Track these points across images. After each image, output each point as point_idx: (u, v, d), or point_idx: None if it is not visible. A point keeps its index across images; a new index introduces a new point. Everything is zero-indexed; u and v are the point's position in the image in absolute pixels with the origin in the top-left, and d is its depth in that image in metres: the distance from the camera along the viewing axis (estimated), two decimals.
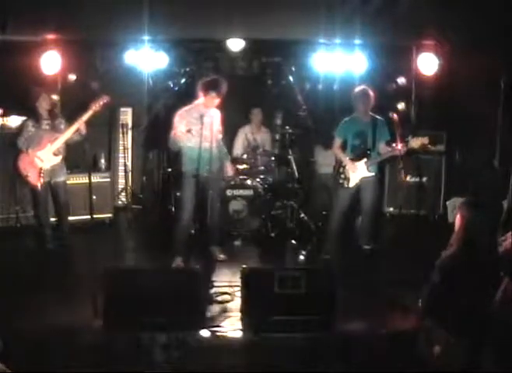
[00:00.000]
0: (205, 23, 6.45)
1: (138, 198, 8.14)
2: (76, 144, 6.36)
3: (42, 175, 6.13)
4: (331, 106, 7.77)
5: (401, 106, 7.76)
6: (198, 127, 5.77)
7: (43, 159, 6.16)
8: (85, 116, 6.13)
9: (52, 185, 6.37)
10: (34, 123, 6.23)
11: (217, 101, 5.87)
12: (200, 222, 6.06)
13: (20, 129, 6.36)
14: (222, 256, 6.21)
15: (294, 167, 7.32)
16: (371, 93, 6.04)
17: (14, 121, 6.81)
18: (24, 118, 6.48)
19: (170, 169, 7.48)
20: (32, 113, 6.27)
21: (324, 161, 7.77)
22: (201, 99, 5.87)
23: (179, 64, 7.64)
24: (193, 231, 6.32)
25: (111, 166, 7.91)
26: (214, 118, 5.90)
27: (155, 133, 8.12)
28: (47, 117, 6.27)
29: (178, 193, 6.56)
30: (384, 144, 6.09)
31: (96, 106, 6.15)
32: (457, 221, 3.60)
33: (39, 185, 6.14)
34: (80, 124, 6.13)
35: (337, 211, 6.30)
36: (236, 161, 7.36)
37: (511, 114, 7.18)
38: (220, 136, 6.12)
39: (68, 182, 6.66)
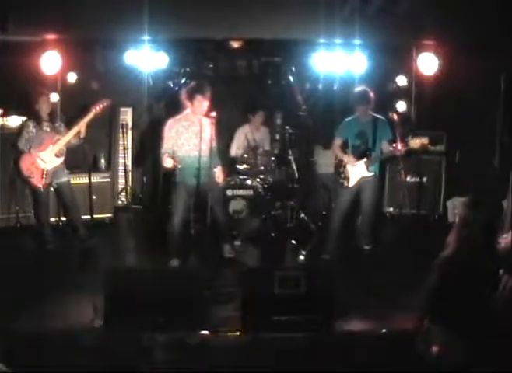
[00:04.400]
0: (205, 23, 6.43)
1: (138, 198, 8.14)
2: (75, 145, 6.37)
3: (45, 176, 6.14)
4: (331, 106, 7.78)
5: (401, 106, 7.75)
6: (188, 135, 5.77)
7: (45, 160, 6.17)
8: (86, 119, 6.14)
9: (55, 187, 6.38)
10: (35, 124, 6.24)
11: (205, 105, 5.73)
12: (202, 223, 6.04)
13: (20, 130, 6.36)
14: (231, 254, 6.25)
15: (294, 167, 7.33)
16: (371, 94, 6.04)
17: (14, 121, 6.82)
18: (24, 118, 6.49)
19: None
20: (32, 114, 6.28)
21: (324, 161, 7.77)
22: (188, 108, 5.81)
23: (179, 64, 7.63)
24: (192, 232, 6.31)
25: (111, 166, 7.92)
26: (204, 126, 5.75)
27: (154, 134, 8.16)
28: (47, 119, 6.27)
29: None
30: (386, 144, 6.09)
31: (96, 109, 6.17)
32: (457, 220, 3.60)
33: (41, 186, 6.15)
34: (81, 127, 6.13)
35: (337, 211, 6.31)
36: (236, 161, 7.37)
37: (511, 114, 7.18)
38: (214, 144, 5.99)
39: None
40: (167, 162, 5.73)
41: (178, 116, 5.89)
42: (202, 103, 5.74)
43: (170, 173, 6.07)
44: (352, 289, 5.30)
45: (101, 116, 7.01)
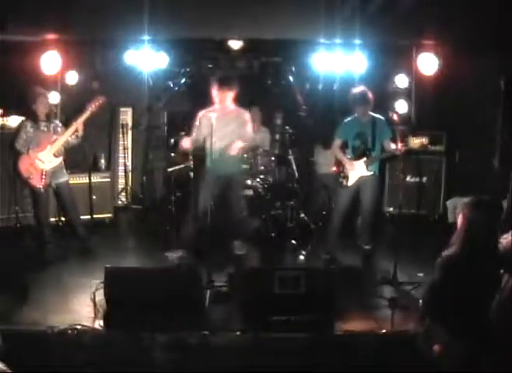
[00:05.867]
0: (205, 23, 6.44)
1: (138, 198, 8.14)
2: (74, 145, 6.36)
3: (44, 177, 6.13)
4: (331, 106, 7.77)
5: (401, 106, 7.75)
6: (216, 127, 5.84)
7: (44, 161, 6.15)
8: (82, 118, 6.13)
9: (54, 187, 6.36)
10: (32, 124, 6.22)
11: (222, 97, 5.91)
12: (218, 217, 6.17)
13: (17, 130, 6.34)
14: (241, 252, 6.28)
15: (294, 167, 7.32)
16: (369, 94, 6.02)
17: (14, 121, 6.81)
18: (23, 118, 6.48)
19: (170, 169, 7.52)
20: (30, 114, 6.27)
21: (324, 161, 7.76)
22: (216, 97, 5.98)
23: (179, 64, 7.64)
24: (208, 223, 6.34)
25: (111, 166, 7.91)
26: (230, 118, 5.93)
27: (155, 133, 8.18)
28: (45, 119, 6.26)
29: (192, 187, 6.71)
30: (386, 143, 6.08)
31: (92, 107, 6.15)
32: (459, 220, 3.60)
33: (41, 187, 6.14)
34: (78, 125, 6.13)
35: (337, 211, 6.30)
36: None
37: (511, 114, 7.18)
38: (248, 136, 6.10)
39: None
40: (185, 142, 5.92)
41: (209, 108, 6.02)
42: (219, 95, 5.91)
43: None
44: (352, 289, 5.30)
45: (101, 116, 7.02)
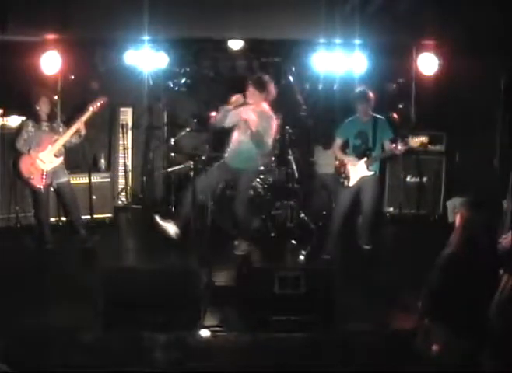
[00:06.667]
0: (205, 23, 6.45)
1: (138, 198, 8.14)
2: (76, 145, 6.36)
3: (45, 177, 6.13)
4: (331, 106, 7.77)
5: (401, 106, 7.75)
6: (237, 120, 6.01)
7: (45, 161, 6.15)
8: (84, 118, 6.13)
9: (55, 187, 6.37)
10: (34, 124, 6.23)
11: (261, 98, 6.01)
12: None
13: (18, 130, 6.35)
14: (243, 252, 6.28)
15: (294, 167, 7.32)
16: (371, 94, 6.03)
17: (14, 121, 6.81)
18: (24, 118, 6.48)
19: (170, 169, 7.53)
20: (31, 114, 6.27)
21: (324, 161, 7.76)
22: (249, 99, 6.06)
23: (179, 64, 7.64)
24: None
25: (111, 166, 7.91)
26: (262, 120, 5.98)
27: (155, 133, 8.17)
28: (46, 119, 6.26)
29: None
30: (386, 143, 6.08)
31: (93, 107, 6.16)
32: (457, 220, 3.60)
33: (42, 187, 6.14)
34: (79, 125, 6.13)
35: (337, 211, 6.30)
36: None
37: (511, 114, 7.18)
38: (266, 138, 6.08)
39: None
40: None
41: (246, 105, 6.14)
42: (251, 97, 6.00)
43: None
44: (352, 289, 5.30)
45: (101, 116, 7.01)
